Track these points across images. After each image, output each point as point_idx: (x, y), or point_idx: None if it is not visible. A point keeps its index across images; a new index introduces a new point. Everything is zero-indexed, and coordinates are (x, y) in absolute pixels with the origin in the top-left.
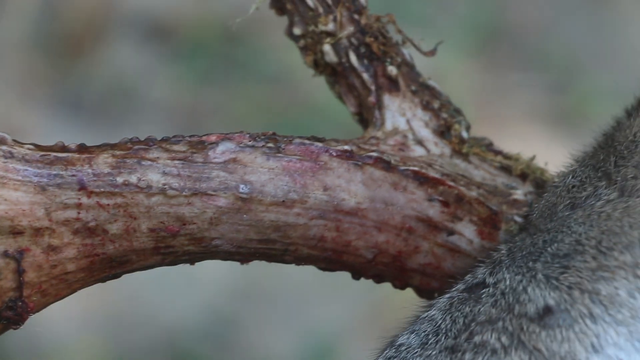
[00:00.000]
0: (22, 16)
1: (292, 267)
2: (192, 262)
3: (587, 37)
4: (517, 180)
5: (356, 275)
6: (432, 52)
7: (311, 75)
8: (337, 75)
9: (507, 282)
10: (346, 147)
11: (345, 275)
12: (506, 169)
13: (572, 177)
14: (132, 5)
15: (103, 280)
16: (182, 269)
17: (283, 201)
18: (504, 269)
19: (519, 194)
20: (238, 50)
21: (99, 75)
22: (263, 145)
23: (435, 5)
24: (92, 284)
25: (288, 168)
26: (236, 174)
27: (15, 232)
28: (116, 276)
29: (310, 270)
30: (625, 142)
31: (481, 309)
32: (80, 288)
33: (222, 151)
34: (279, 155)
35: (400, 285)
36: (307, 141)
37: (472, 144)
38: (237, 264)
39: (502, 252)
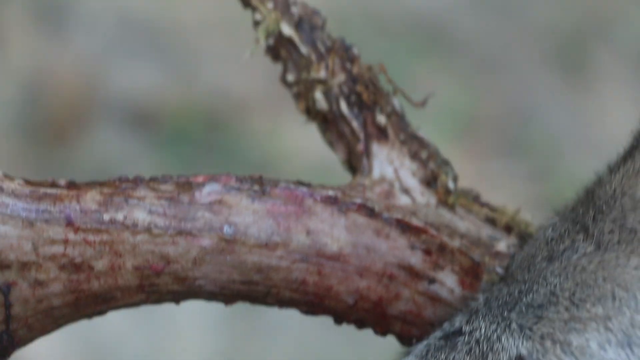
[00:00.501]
0: (4, 101)
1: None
2: (177, 302)
3: (567, 124)
4: (501, 232)
5: (338, 320)
6: (422, 103)
7: (296, 161)
8: (328, 122)
9: (482, 331)
10: (330, 193)
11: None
12: (491, 221)
13: (552, 230)
14: (116, 91)
15: (89, 316)
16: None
17: (266, 244)
18: (480, 318)
19: (502, 246)
20: (221, 136)
21: (82, 161)
22: (249, 188)
23: (415, 92)
24: (77, 320)
25: (272, 211)
26: (221, 215)
27: (3, 266)
28: (101, 313)
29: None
30: (604, 198)
31: (456, 357)
32: (66, 323)
33: (209, 192)
34: (264, 198)
35: (382, 331)
36: (292, 185)
37: (459, 195)
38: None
39: (480, 301)
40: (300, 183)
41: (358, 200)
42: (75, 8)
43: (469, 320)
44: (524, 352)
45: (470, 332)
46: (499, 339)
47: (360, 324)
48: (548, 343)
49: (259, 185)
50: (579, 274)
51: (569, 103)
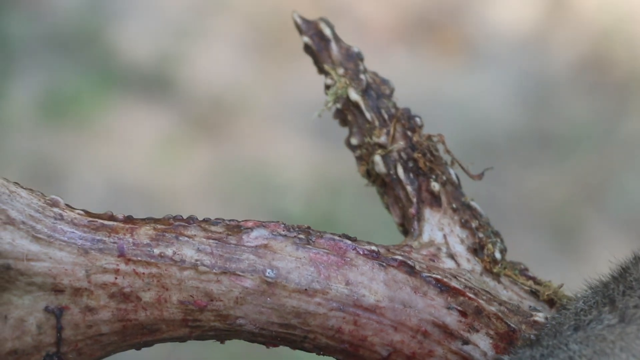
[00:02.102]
0: None
1: None
2: (219, 340)
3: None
4: (543, 305)
5: None
6: (479, 176)
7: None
8: (386, 186)
9: None
10: (373, 248)
11: None
12: (534, 294)
13: (583, 302)
14: None
15: (136, 346)
16: None
17: (306, 289)
18: None
19: (540, 316)
20: None
21: None
22: (295, 236)
23: None
24: (125, 349)
25: (315, 259)
26: (265, 259)
27: (57, 290)
28: (147, 344)
29: None
30: (636, 275)
31: None
32: (113, 351)
33: (256, 236)
34: (308, 246)
35: None
36: (337, 237)
37: (506, 266)
38: None
39: None
40: (345, 236)
41: (399, 257)
42: (69, 175)
43: None
44: None
45: None
46: None
47: None
48: None
49: (305, 234)
50: (599, 342)
51: (561, 269)
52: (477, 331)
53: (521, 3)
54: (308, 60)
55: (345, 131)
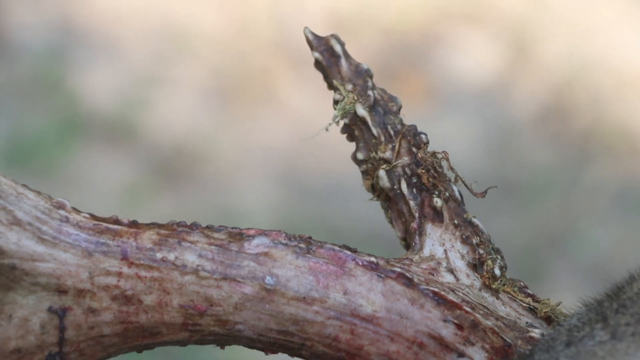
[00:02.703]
0: None
1: None
2: (219, 345)
3: None
4: (541, 322)
5: None
6: (482, 194)
7: None
8: (389, 201)
9: None
10: (372, 259)
11: None
12: (533, 311)
13: (577, 319)
14: None
15: (137, 349)
16: None
17: (304, 297)
18: None
19: (536, 332)
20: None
21: None
22: (295, 245)
23: None
24: (126, 351)
25: (314, 268)
26: (265, 266)
27: (60, 291)
28: (148, 347)
29: None
30: (630, 294)
31: None
32: (115, 353)
33: (257, 244)
34: (308, 255)
35: None
36: (337, 247)
37: (505, 282)
38: None
39: None
40: (346, 247)
41: (398, 270)
42: None
43: None
44: None
45: None
46: None
47: None
48: None
49: (306, 244)
50: (589, 357)
51: None
52: (473, 345)
53: (484, 51)
54: (271, 107)
55: (308, 177)
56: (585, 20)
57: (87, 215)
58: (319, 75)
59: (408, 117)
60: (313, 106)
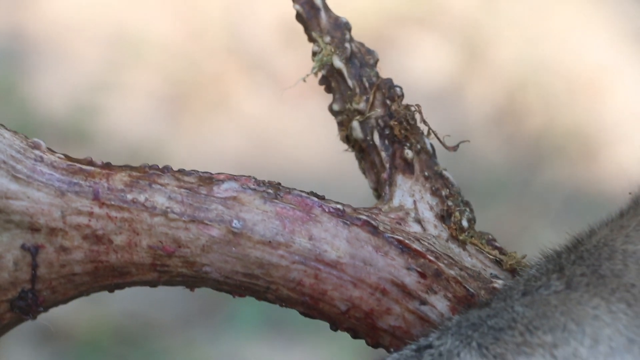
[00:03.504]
0: None
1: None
2: (188, 286)
3: None
4: (506, 274)
5: (333, 327)
6: (454, 148)
7: None
8: (363, 152)
9: (447, 346)
10: (338, 206)
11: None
12: (499, 263)
13: (535, 270)
14: None
15: (108, 288)
16: None
17: (269, 241)
18: (449, 335)
19: (499, 283)
20: (132, 352)
21: None
22: (264, 190)
23: None
24: (97, 290)
25: (281, 214)
26: (232, 210)
27: (33, 229)
28: (119, 286)
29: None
30: (588, 246)
31: None
32: (86, 292)
33: (226, 189)
34: (276, 201)
35: (372, 343)
36: (305, 194)
37: (473, 235)
38: None
39: (453, 321)
40: (313, 194)
41: (364, 217)
42: None
43: (440, 336)
44: None
45: (438, 346)
46: (458, 354)
47: (354, 333)
48: None
49: (274, 189)
50: (542, 306)
51: None
52: (436, 293)
53: (437, 55)
54: (224, 112)
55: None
56: (537, 23)
57: (61, 156)
58: (271, 80)
59: None
60: (266, 111)
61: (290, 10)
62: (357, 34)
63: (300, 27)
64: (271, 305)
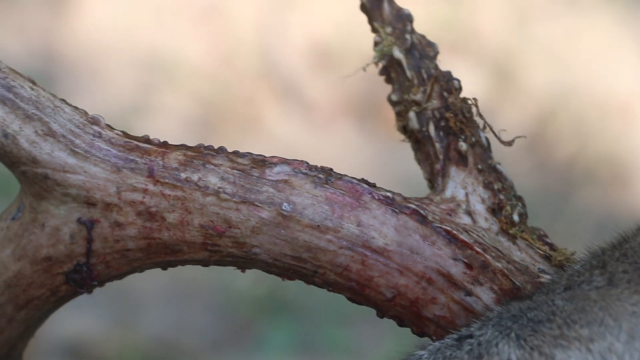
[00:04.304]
0: None
1: None
2: (238, 267)
3: None
4: (554, 269)
5: (379, 314)
6: (509, 143)
7: None
8: (418, 143)
9: (487, 336)
10: (388, 194)
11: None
12: (547, 258)
13: (580, 266)
14: (57, 336)
15: (160, 265)
16: None
17: (318, 226)
18: (490, 325)
19: (546, 278)
20: None
21: None
22: (315, 175)
23: None
24: (150, 267)
25: (330, 199)
26: (283, 193)
27: (89, 203)
28: (171, 264)
29: None
30: (633, 244)
31: (457, 354)
32: (139, 268)
33: (278, 172)
34: (326, 186)
35: (417, 331)
36: (355, 181)
37: (524, 230)
38: None
39: (495, 312)
40: (364, 181)
41: (412, 206)
42: None
43: (481, 326)
44: (513, 358)
45: (478, 336)
46: (497, 344)
47: (399, 320)
48: (535, 354)
49: (325, 175)
50: (582, 300)
51: None
52: (482, 285)
53: (469, 79)
54: (255, 135)
55: None
56: (568, 49)
57: (119, 133)
58: (302, 104)
59: (394, 146)
60: (296, 134)
61: (321, 34)
62: None
63: (332, 51)
64: (301, 329)
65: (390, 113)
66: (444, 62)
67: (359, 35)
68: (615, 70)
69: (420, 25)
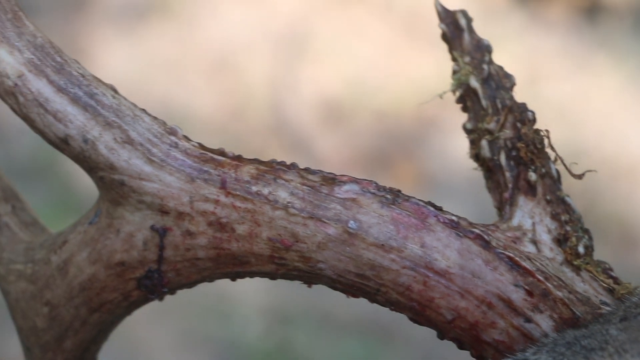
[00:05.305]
0: None
1: None
2: (304, 281)
3: None
4: (616, 302)
5: (440, 335)
6: (579, 176)
7: None
8: (490, 171)
9: None
10: (453, 218)
11: None
12: (612, 292)
13: (638, 298)
14: None
15: (229, 276)
16: None
17: (382, 245)
18: (544, 351)
19: (607, 310)
20: None
21: None
22: (383, 195)
23: None
24: (218, 277)
25: (396, 219)
26: (350, 211)
27: (163, 211)
28: (239, 275)
29: None
30: None
31: None
32: (208, 278)
33: (346, 190)
34: (393, 206)
35: (476, 355)
36: (422, 203)
37: (589, 262)
38: None
39: (550, 339)
40: (430, 203)
41: (477, 231)
42: None
43: (536, 352)
44: None
45: None
46: None
47: (459, 343)
48: None
49: (393, 195)
50: (636, 331)
51: None
52: (541, 312)
53: None
54: None
55: None
56: (578, 108)
57: (195, 144)
58: (312, 159)
59: None
60: None
61: (331, 89)
62: (397, 113)
63: (343, 107)
64: None
65: (398, 169)
66: (454, 118)
67: (369, 91)
68: (624, 131)
69: (431, 82)
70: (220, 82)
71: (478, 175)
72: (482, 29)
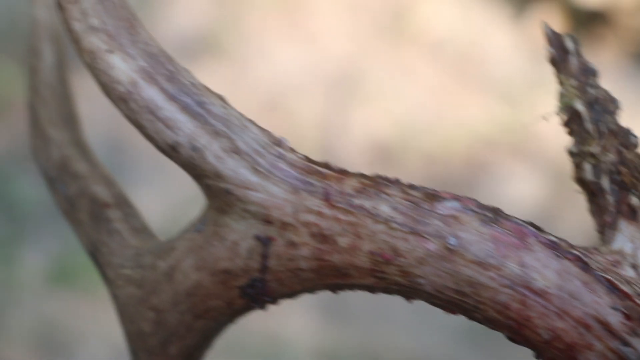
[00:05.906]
0: None
1: None
2: (403, 296)
3: None
4: None
5: (537, 355)
6: None
7: None
8: (593, 195)
9: None
10: (553, 239)
11: None
12: None
13: None
14: None
15: (329, 287)
16: None
17: (481, 262)
18: None
19: None
20: None
21: None
22: (483, 213)
23: None
24: (320, 288)
25: (496, 237)
26: (451, 228)
27: (267, 221)
28: (339, 287)
29: None
30: None
31: None
32: (310, 289)
33: (448, 207)
34: (493, 225)
35: None
36: (522, 222)
37: None
38: None
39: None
40: (531, 223)
41: (576, 253)
42: (78, 343)
43: None
44: None
45: None
46: None
47: None
48: None
49: (494, 214)
50: None
51: None
52: (639, 336)
53: (528, 182)
54: None
55: (354, 305)
56: None
57: (301, 156)
58: None
59: None
60: None
61: (383, 131)
62: (446, 157)
63: (393, 150)
64: None
65: None
66: (504, 163)
67: (418, 134)
68: None
69: (481, 125)
70: (270, 123)
71: (528, 218)
72: (531, 73)
